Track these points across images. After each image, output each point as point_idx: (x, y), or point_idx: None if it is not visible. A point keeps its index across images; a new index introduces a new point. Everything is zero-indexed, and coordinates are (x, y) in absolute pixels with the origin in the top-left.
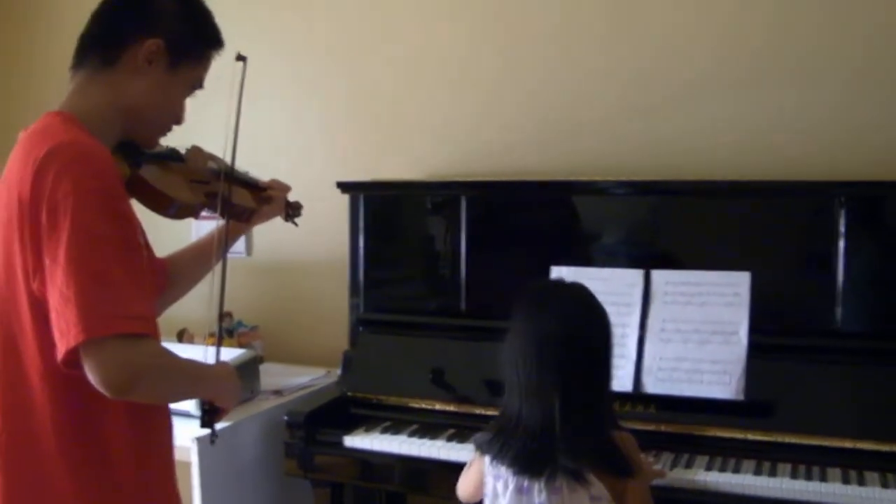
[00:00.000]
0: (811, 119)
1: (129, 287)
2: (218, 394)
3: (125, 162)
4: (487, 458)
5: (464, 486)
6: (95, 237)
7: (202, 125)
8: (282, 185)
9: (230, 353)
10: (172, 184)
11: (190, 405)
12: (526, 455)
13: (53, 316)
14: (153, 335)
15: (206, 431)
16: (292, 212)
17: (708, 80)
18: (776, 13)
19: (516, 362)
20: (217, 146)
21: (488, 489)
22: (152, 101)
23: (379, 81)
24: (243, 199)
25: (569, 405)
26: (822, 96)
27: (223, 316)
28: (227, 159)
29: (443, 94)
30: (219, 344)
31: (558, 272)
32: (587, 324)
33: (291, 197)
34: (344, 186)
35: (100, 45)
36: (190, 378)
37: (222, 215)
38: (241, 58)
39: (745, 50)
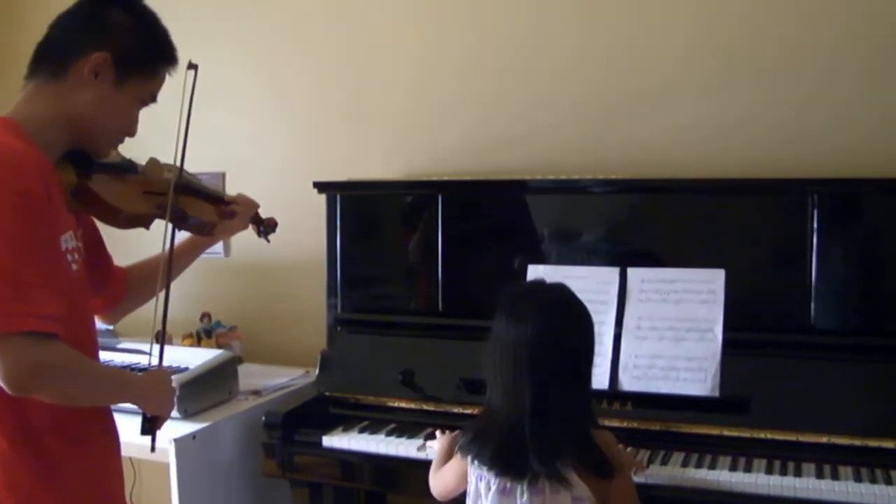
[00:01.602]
0: (781, 117)
1: (41, 287)
2: (143, 401)
3: (73, 171)
4: (469, 458)
5: (440, 484)
6: (8, 237)
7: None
8: (248, 200)
9: (208, 354)
10: (122, 194)
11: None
12: (502, 455)
13: None
14: (61, 337)
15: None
16: (264, 228)
17: (679, 78)
18: (745, 12)
19: (494, 364)
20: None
21: (471, 489)
22: (98, 114)
23: (354, 81)
24: (200, 211)
25: (544, 406)
26: (791, 94)
27: (202, 317)
28: (178, 165)
29: (419, 94)
30: (161, 346)
31: (535, 270)
32: (563, 327)
33: (273, 201)
34: (321, 186)
35: (51, 56)
36: (101, 383)
37: (173, 226)
38: (192, 66)
39: (716, 48)
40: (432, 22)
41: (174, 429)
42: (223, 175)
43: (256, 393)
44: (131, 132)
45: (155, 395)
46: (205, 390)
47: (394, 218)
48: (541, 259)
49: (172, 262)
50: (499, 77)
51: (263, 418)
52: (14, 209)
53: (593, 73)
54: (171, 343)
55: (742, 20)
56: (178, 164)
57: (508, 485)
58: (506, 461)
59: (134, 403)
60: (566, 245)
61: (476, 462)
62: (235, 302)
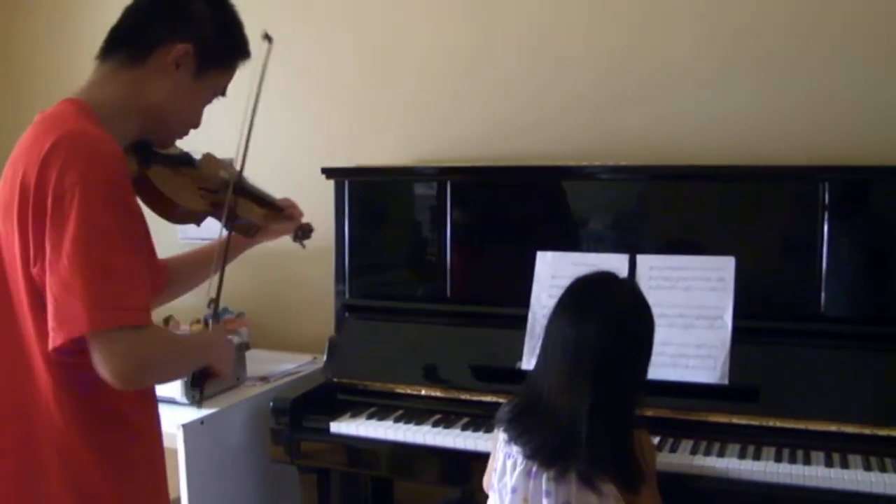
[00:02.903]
0: (791, 104)
1: (133, 279)
2: (214, 359)
3: (135, 160)
4: (504, 435)
5: (489, 471)
6: (101, 228)
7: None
8: (296, 206)
9: None
10: (180, 188)
11: (176, 391)
12: (548, 447)
13: (52, 304)
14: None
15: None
16: (302, 233)
17: (688, 66)
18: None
19: (553, 353)
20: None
21: (498, 464)
22: (173, 105)
23: (364, 67)
24: (250, 214)
25: (597, 411)
26: (801, 82)
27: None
28: (239, 159)
29: (427, 80)
30: (217, 304)
31: (543, 257)
32: (629, 334)
33: (280, 187)
34: (329, 172)
35: (130, 41)
36: (191, 355)
37: (227, 227)
38: (267, 37)
39: (726, 35)
40: (441, 9)
41: (182, 414)
42: (231, 161)
43: (264, 379)
44: (196, 124)
45: (224, 353)
46: None
47: (402, 204)
48: (550, 246)
49: (214, 261)
50: (507, 64)
51: (271, 404)
52: (107, 199)
53: (602, 60)
54: (178, 330)
55: (752, 7)
56: (239, 162)
57: (535, 468)
58: (550, 454)
59: (209, 365)
60: (575, 232)
61: (510, 442)
62: (243, 288)
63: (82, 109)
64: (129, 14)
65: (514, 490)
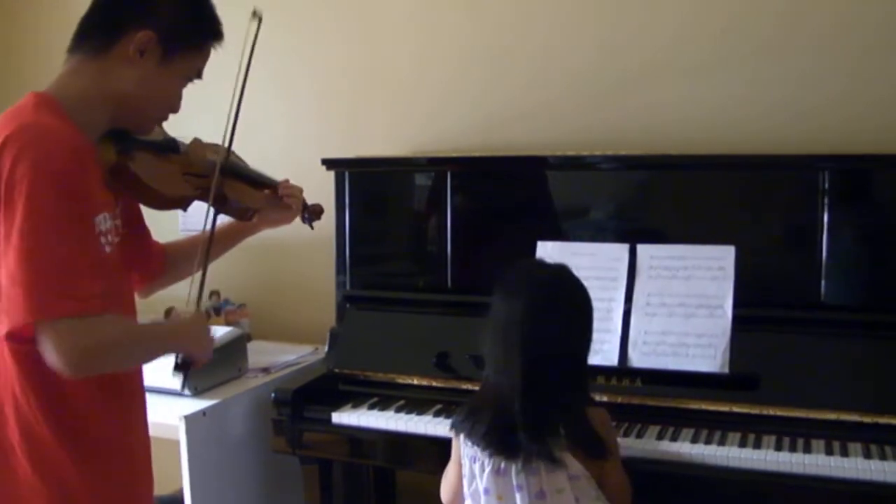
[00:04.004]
0: (785, 92)
1: (79, 268)
2: (184, 349)
3: (113, 148)
4: (462, 437)
5: (445, 483)
6: (47, 218)
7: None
8: (294, 186)
9: (217, 331)
10: (161, 175)
11: (177, 383)
12: (493, 432)
13: (3, 293)
14: (104, 311)
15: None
16: (309, 215)
17: (681, 54)
18: None
19: (487, 341)
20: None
21: (465, 470)
22: (142, 92)
23: (364, 57)
24: (242, 196)
25: (533, 383)
26: (794, 69)
27: (210, 294)
28: (226, 139)
29: (427, 71)
30: (200, 290)
31: (543, 247)
32: (553, 305)
33: (278, 178)
34: (329, 163)
35: (96, 32)
36: (148, 344)
37: (214, 210)
38: (255, 15)
39: (718, 22)
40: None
41: (184, 405)
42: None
43: (266, 370)
44: (175, 109)
45: (195, 340)
46: (214, 367)
47: (402, 194)
48: (549, 235)
49: (212, 246)
50: (501, 54)
51: (273, 395)
52: (56, 189)
53: (595, 49)
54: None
55: None
56: (226, 140)
57: (503, 465)
58: (499, 439)
59: (177, 351)
60: (575, 222)
61: (469, 441)
62: (244, 279)
63: (43, 102)
64: (95, 4)
65: (486, 491)
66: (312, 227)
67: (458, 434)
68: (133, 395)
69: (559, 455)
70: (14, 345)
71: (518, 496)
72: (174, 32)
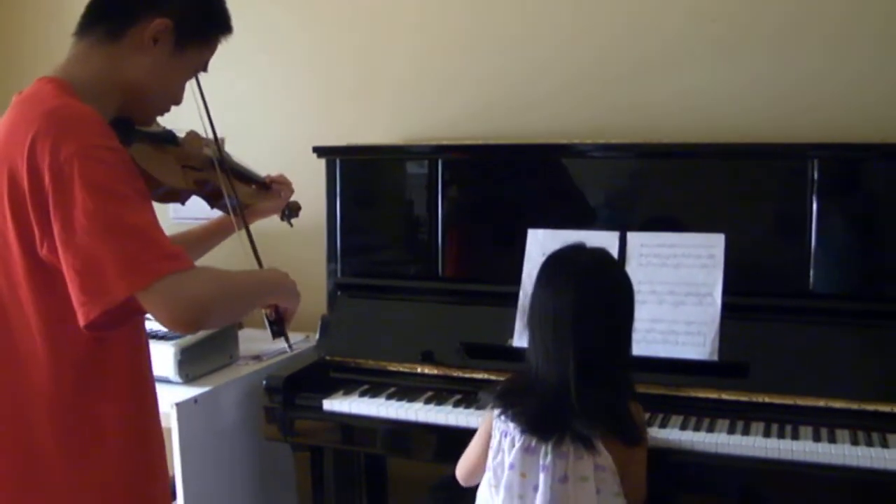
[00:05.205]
0: (785, 83)
1: (157, 230)
2: (279, 296)
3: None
4: (496, 412)
5: (464, 460)
6: (109, 192)
7: None
8: (288, 182)
9: None
10: (162, 166)
11: (169, 370)
12: (540, 415)
13: (77, 280)
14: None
15: (277, 346)
16: (290, 211)
17: (682, 45)
18: None
19: (534, 327)
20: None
21: (494, 442)
22: (152, 81)
23: (355, 45)
24: (235, 192)
25: (585, 372)
26: (795, 60)
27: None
28: (210, 133)
29: (420, 58)
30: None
31: (534, 235)
32: (601, 296)
33: (272, 166)
34: (320, 151)
35: (107, 17)
36: (250, 289)
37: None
38: None
39: (720, 14)
40: None
41: (176, 393)
42: (223, 140)
43: (257, 358)
44: (178, 101)
45: (284, 287)
46: (205, 355)
47: (394, 183)
48: (540, 223)
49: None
50: (500, 43)
51: (264, 383)
52: (99, 165)
53: (595, 39)
54: None
55: None
56: (214, 139)
57: (534, 443)
58: (540, 420)
59: (272, 302)
60: (566, 209)
61: (503, 417)
62: (235, 267)
63: (60, 86)
64: None
65: (511, 466)
66: (292, 225)
67: (491, 406)
68: (152, 387)
69: (595, 442)
70: (92, 333)
71: (542, 476)
72: (188, 22)
